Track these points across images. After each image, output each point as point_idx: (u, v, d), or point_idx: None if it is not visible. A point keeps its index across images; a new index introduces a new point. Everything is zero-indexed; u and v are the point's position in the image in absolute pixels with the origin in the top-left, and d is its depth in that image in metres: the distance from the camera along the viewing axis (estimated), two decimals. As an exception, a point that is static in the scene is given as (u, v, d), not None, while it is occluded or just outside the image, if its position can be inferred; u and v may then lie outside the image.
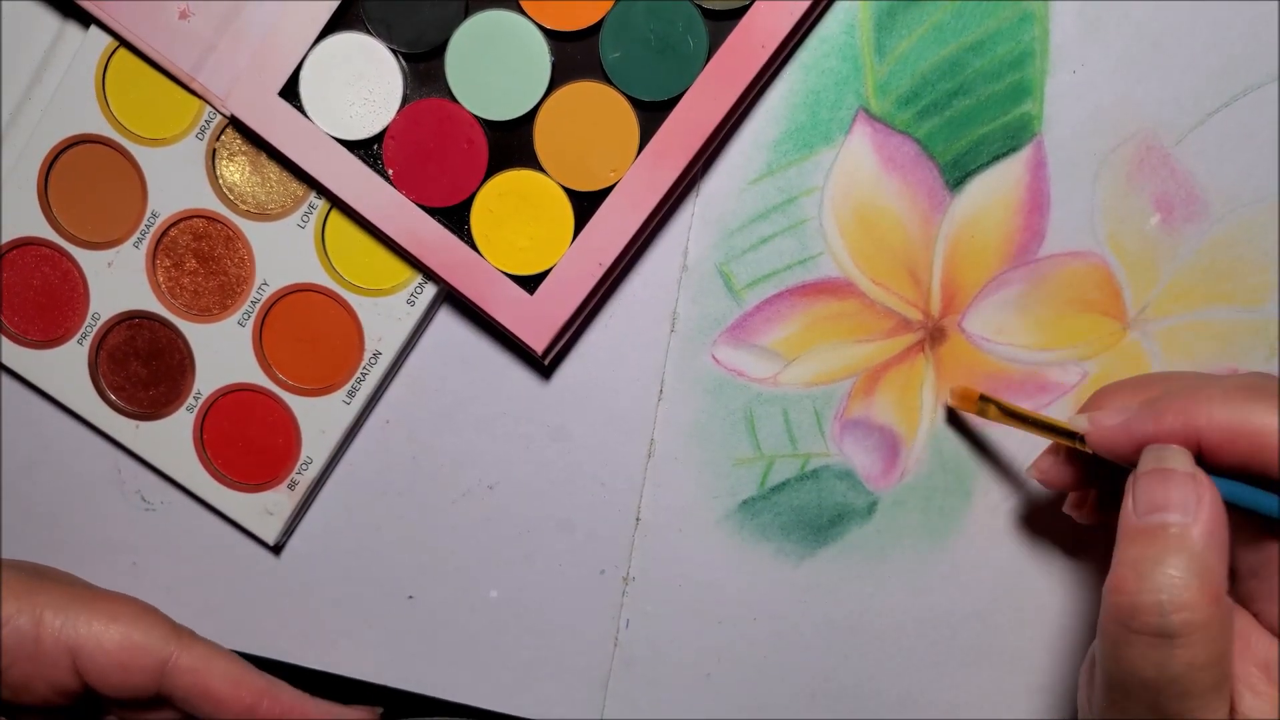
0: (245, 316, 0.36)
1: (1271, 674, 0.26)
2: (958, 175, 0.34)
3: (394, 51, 0.33)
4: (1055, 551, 0.36)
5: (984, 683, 0.37)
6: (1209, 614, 0.25)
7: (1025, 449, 0.36)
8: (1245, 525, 0.28)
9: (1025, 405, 0.35)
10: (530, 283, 0.34)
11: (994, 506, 0.36)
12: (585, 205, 0.34)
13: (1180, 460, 0.27)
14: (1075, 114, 0.34)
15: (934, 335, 0.35)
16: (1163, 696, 0.25)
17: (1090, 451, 0.30)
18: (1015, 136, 0.34)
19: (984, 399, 0.33)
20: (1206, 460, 0.27)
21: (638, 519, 0.37)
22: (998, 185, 0.34)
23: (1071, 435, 0.30)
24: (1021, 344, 0.35)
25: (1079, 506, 0.33)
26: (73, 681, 0.32)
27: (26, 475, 0.38)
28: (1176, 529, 0.25)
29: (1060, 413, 0.35)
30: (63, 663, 0.32)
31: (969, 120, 0.34)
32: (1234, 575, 0.28)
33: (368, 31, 0.33)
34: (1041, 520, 0.36)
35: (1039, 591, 0.37)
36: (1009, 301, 0.35)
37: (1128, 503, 0.27)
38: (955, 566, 0.36)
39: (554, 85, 0.33)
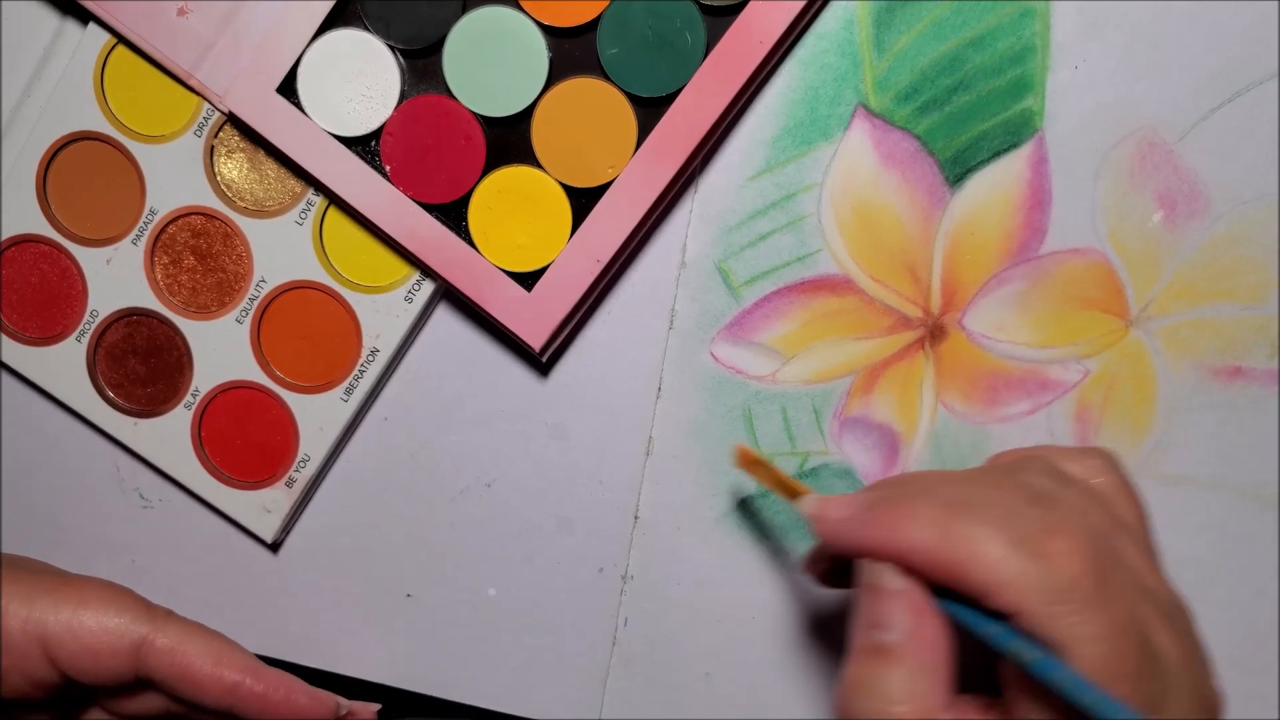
0: (243, 314, 0.35)
1: None
2: (958, 171, 0.34)
3: (392, 48, 0.33)
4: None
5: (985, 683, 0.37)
6: None
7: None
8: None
9: (1026, 405, 0.35)
10: (528, 280, 0.34)
11: (995, 505, 0.36)
12: (583, 202, 0.34)
13: (888, 578, 0.26)
14: (1077, 110, 0.34)
15: (934, 333, 0.35)
16: None
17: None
18: (1016, 132, 0.34)
19: (758, 465, 0.31)
20: (923, 576, 0.26)
21: (636, 517, 0.36)
22: (998, 182, 0.34)
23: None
24: (1022, 342, 0.35)
25: (810, 567, 0.32)
26: (48, 672, 0.31)
27: (25, 473, 0.38)
28: (888, 649, 0.25)
29: (1062, 412, 0.35)
30: (34, 653, 0.30)
31: (969, 116, 0.34)
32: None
33: (365, 28, 0.33)
34: (1043, 519, 0.36)
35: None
36: (1010, 299, 0.35)
37: (857, 616, 0.26)
38: (956, 566, 0.36)
39: (551, 81, 0.33)
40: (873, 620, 0.26)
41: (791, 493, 0.30)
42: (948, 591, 0.25)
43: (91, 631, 0.31)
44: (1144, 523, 0.29)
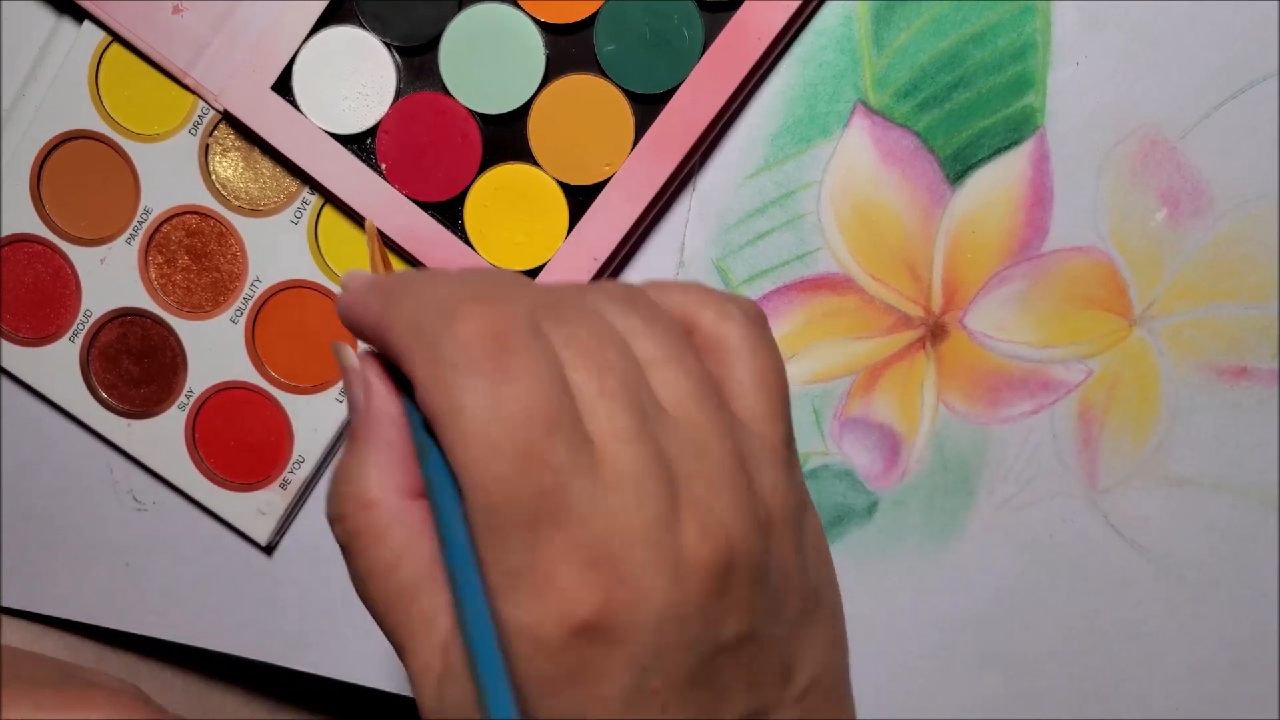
0: (238, 313, 0.35)
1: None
2: (959, 169, 0.34)
3: (387, 45, 0.33)
4: (1058, 552, 0.36)
5: (986, 685, 0.36)
6: (361, 522, 0.22)
7: (1027, 449, 0.35)
8: None
9: (1028, 405, 0.35)
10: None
11: (997, 506, 0.35)
12: (580, 199, 0.33)
13: (343, 355, 0.23)
14: (1079, 107, 0.33)
15: (935, 332, 0.35)
16: (372, 613, 0.22)
17: None
18: (1017, 130, 0.33)
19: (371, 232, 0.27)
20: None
21: (634, 519, 0.36)
22: (1000, 179, 0.34)
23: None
24: (1024, 341, 0.34)
25: None
26: None
27: (18, 475, 0.37)
28: (353, 430, 0.22)
29: (1065, 413, 0.35)
30: None
31: (970, 113, 0.33)
32: None
33: (361, 25, 0.33)
34: (1045, 521, 0.35)
35: (1042, 593, 0.36)
36: (1011, 298, 0.34)
37: None
38: (957, 568, 0.36)
39: (548, 79, 0.33)
40: (350, 400, 0.23)
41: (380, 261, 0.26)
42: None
43: None
44: (767, 392, 0.22)
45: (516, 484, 0.19)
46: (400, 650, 0.22)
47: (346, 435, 0.24)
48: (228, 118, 0.34)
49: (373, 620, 0.22)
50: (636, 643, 0.19)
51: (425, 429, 0.21)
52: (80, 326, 0.36)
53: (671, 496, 0.19)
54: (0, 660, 0.32)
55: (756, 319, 0.23)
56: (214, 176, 0.35)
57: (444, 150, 0.33)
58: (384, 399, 0.23)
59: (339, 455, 0.24)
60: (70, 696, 0.30)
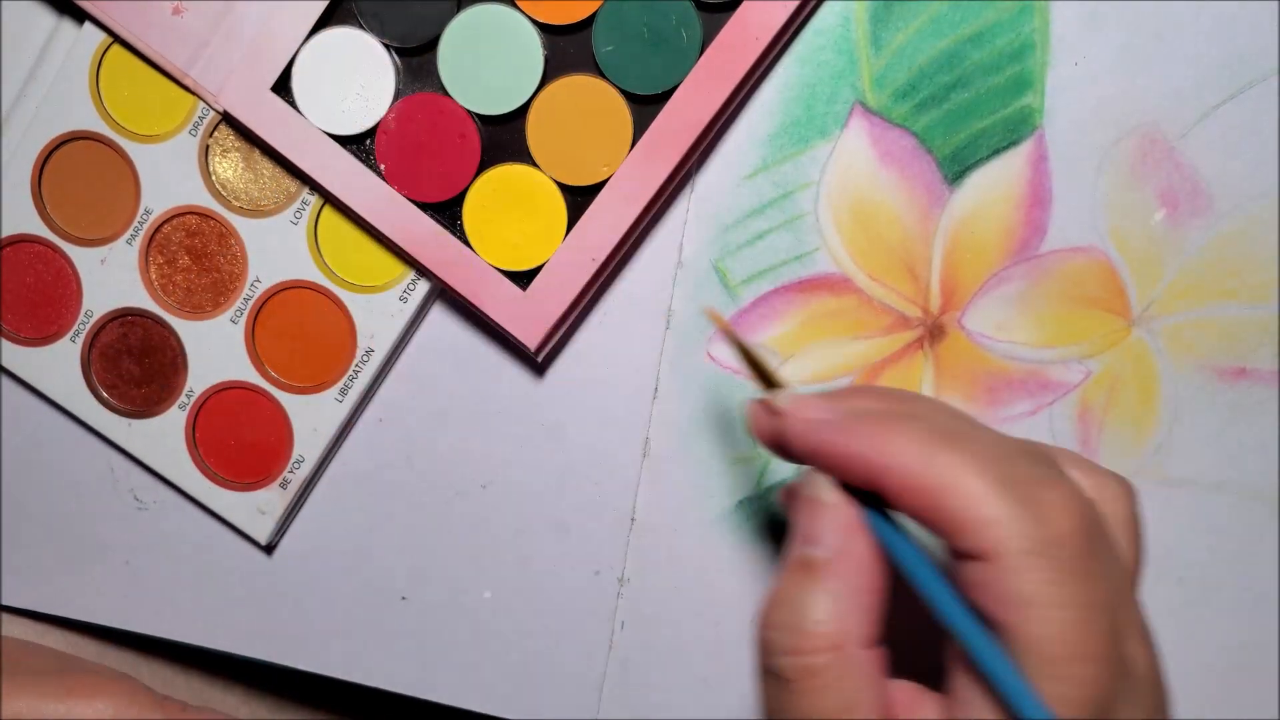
0: (238, 314, 0.35)
1: None
2: (957, 169, 0.34)
3: (386, 46, 0.33)
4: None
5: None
6: (827, 661, 0.22)
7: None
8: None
9: (1027, 405, 0.35)
10: (523, 279, 0.34)
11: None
12: (579, 200, 0.33)
13: (821, 489, 0.24)
14: (1077, 107, 0.33)
15: (933, 332, 0.35)
16: None
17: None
18: (1016, 130, 0.33)
19: (730, 333, 0.28)
20: (890, 501, 0.23)
21: (633, 519, 0.36)
22: (998, 179, 0.34)
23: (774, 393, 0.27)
24: (1023, 341, 0.34)
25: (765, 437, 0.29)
26: None
27: (18, 474, 0.38)
28: (814, 564, 0.23)
29: (1064, 413, 0.35)
30: None
31: (968, 113, 0.33)
32: None
33: (360, 26, 0.33)
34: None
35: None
36: (1010, 298, 0.34)
37: (791, 532, 0.25)
38: (956, 568, 0.36)
39: (547, 79, 0.33)
40: (804, 535, 0.24)
41: (763, 377, 0.27)
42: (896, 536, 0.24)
43: None
44: (1138, 567, 0.26)
45: (1095, 688, 0.21)
46: None
47: (795, 564, 0.24)
48: (227, 118, 0.34)
49: None
50: None
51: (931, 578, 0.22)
52: (81, 326, 0.36)
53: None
54: (1, 649, 0.32)
55: (1134, 499, 0.26)
56: (214, 177, 0.35)
57: (443, 151, 0.33)
58: (867, 545, 0.23)
59: (786, 582, 0.23)
60: (71, 684, 0.30)
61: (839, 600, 0.23)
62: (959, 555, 0.22)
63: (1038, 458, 0.24)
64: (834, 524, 0.24)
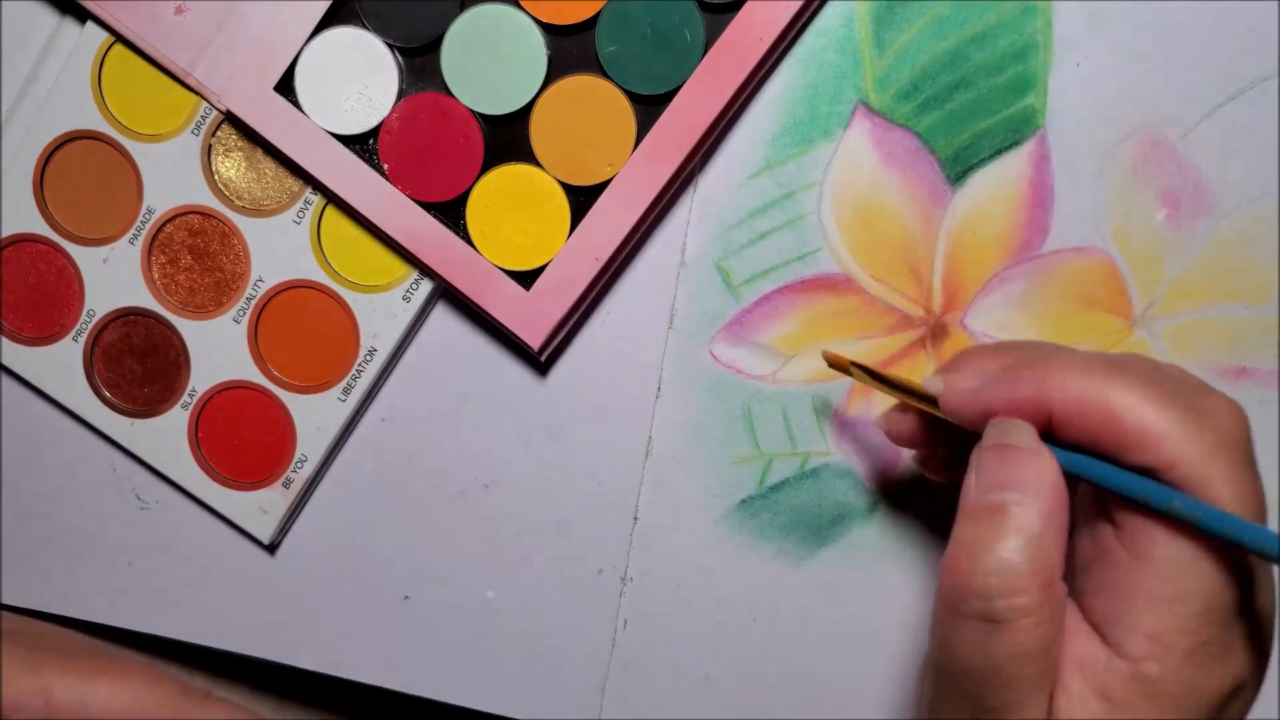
0: (240, 313, 0.35)
1: (1084, 670, 0.24)
2: (959, 170, 0.34)
3: (390, 46, 0.33)
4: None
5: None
6: (1037, 600, 0.23)
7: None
8: (1084, 514, 0.27)
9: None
10: (526, 278, 0.34)
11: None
12: (582, 200, 0.33)
13: (1025, 436, 0.25)
14: (1079, 107, 0.33)
15: (935, 332, 0.35)
16: (986, 687, 0.24)
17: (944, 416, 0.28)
18: (1018, 130, 0.33)
19: (853, 365, 0.31)
20: (1057, 434, 0.25)
21: (635, 518, 0.36)
22: (1000, 180, 0.34)
23: (929, 398, 0.28)
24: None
25: (926, 463, 0.32)
26: None
27: (21, 473, 0.38)
28: (1015, 509, 0.24)
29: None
30: None
31: (970, 114, 0.33)
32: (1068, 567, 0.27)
33: (363, 26, 0.33)
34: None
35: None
36: (1012, 298, 0.34)
37: (970, 478, 0.25)
38: (958, 568, 0.36)
39: (550, 79, 0.33)
40: (994, 481, 0.25)
41: (902, 388, 0.29)
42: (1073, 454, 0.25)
43: (132, 716, 0.30)
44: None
45: None
46: (1002, 713, 0.24)
47: (991, 509, 0.25)
48: (230, 118, 0.34)
49: (974, 686, 0.24)
50: None
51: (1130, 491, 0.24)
52: (83, 326, 0.36)
53: None
54: (33, 630, 0.33)
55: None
56: (217, 177, 0.35)
57: (446, 151, 0.33)
58: (1064, 494, 0.25)
59: (985, 529, 0.24)
60: (100, 666, 0.30)
61: (1041, 543, 0.24)
62: (1139, 472, 0.24)
63: (1186, 373, 0.25)
64: (1034, 468, 0.24)
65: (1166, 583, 0.23)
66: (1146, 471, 0.24)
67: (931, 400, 0.28)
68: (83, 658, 0.31)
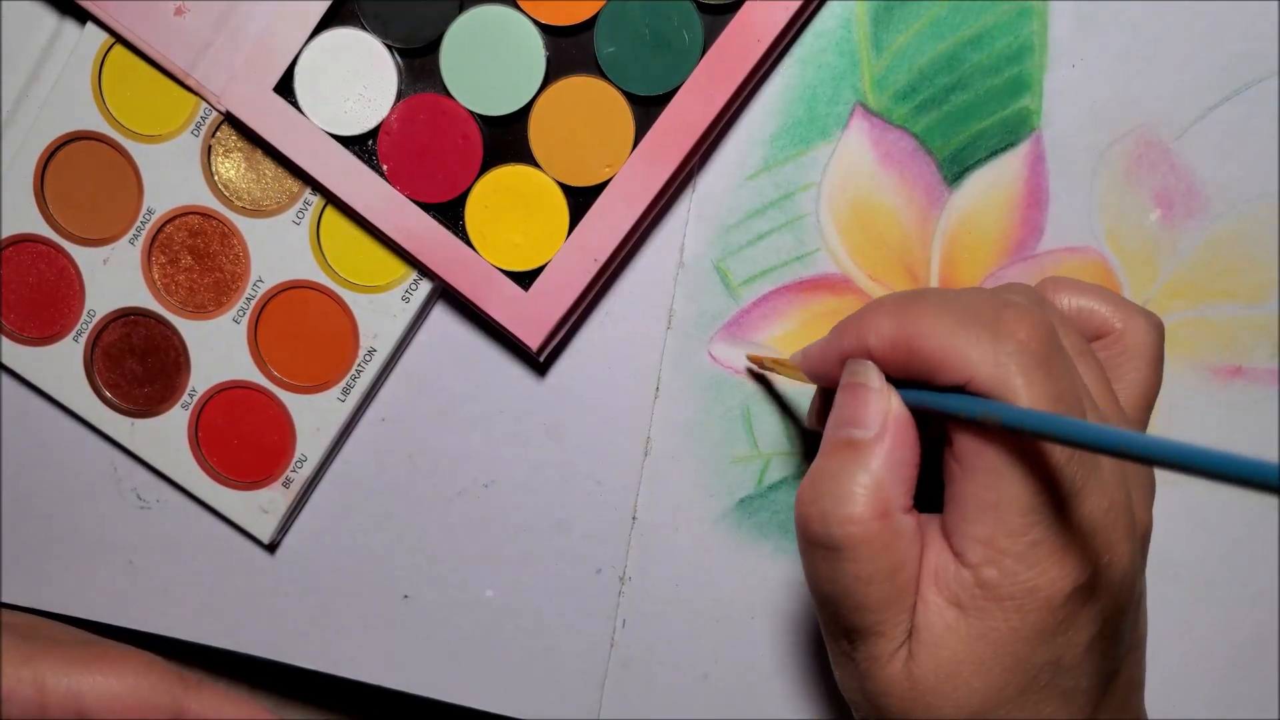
0: (240, 313, 0.35)
1: (939, 582, 0.25)
2: (956, 170, 0.34)
3: (389, 47, 0.33)
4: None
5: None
6: (873, 529, 0.25)
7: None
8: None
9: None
10: (525, 279, 0.34)
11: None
12: (580, 201, 0.34)
13: (869, 375, 0.26)
14: (1074, 109, 0.33)
15: (932, 332, 0.35)
16: (840, 609, 0.26)
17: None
18: (1014, 131, 0.34)
19: (750, 359, 0.34)
20: (885, 372, 0.26)
21: (634, 518, 0.36)
22: (996, 180, 0.34)
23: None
24: (1021, 341, 0.35)
25: (813, 419, 0.33)
26: None
27: (22, 473, 0.38)
28: (858, 444, 0.25)
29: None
30: None
31: (967, 115, 0.34)
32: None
33: (363, 27, 0.33)
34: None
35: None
36: (1008, 298, 0.34)
37: (830, 415, 0.27)
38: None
39: (549, 80, 0.33)
40: (848, 417, 0.26)
41: (788, 368, 0.32)
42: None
43: (128, 704, 0.30)
44: (1153, 392, 0.29)
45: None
46: (866, 635, 0.26)
47: (838, 444, 0.26)
48: (230, 119, 0.34)
49: (831, 610, 0.26)
50: None
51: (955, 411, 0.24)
52: (84, 326, 0.36)
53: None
54: (26, 622, 0.33)
55: (1159, 333, 0.29)
56: (216, 177, 0.35)
57: (445, 151, 0.33)
58: (907, 426, 0.26)
59: (831, 461, 0.26)
60: (94, 655, 0.30)
61: (886, 472, 0.25)
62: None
63: (1004, 291, 0.27)
64: (878, 404, 0.26)
65: (990, 490, 0.24)
66: (957, 390, 0.25)
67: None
68: (76, 647, 0.31)
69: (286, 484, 0.36)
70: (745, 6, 0.32)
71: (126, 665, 0.30)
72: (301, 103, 0.33)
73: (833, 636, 0.27)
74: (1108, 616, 0.25)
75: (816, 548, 0.26)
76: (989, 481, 0.24)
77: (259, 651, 0.38)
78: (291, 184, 0.35)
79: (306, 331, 0.35)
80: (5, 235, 0.36)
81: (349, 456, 0.37)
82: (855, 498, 0.25)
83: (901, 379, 0.26)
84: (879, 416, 0.26)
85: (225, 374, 0.36)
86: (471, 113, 0.33)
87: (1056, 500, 0.24)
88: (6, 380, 0.37)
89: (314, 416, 0.36)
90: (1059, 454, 0.24)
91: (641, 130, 0.33)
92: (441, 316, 0.36)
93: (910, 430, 0.26)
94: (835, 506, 0.25)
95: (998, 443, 0.24)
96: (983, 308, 0.25)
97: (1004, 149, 0.34)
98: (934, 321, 0.25)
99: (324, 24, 0.33)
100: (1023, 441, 0.24)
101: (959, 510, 0.25)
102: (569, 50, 0.33)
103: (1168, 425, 0.35)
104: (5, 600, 0.38)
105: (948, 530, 0.25)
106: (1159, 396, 0.34)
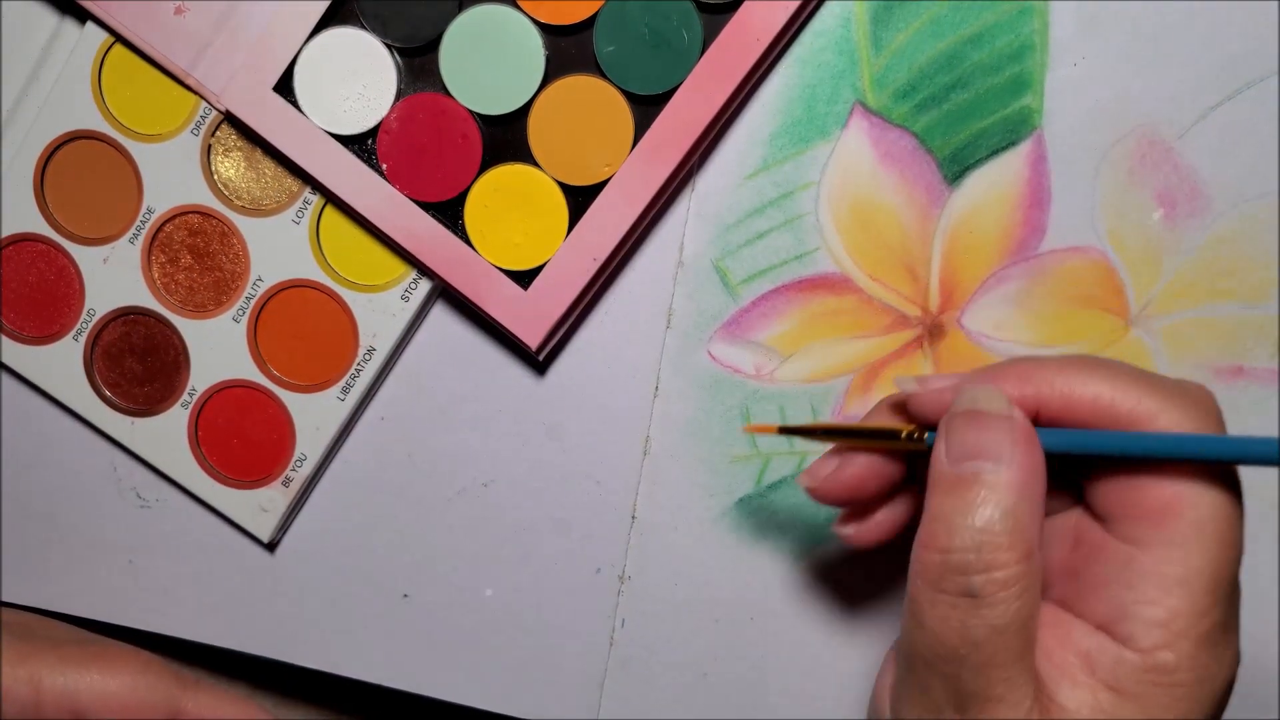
0: (240, 312, 0.35)
1: (1091, 665, 0.23)
2: (956, 169, 0.34)
3: (388, 46, 0.33)
4: (1056, 551, 0.36)
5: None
6: (1017, 572, 0.23)
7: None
8: (1062, 520, 0.26)
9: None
10: (525, 278, 0.34)
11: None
12: (580, 200, 0.33)
13: (995, 401, 0.24)
14: (1076, 108, 0.33)
15: (933, 331, 0.35)
16: (964, 665, 0.23)
17: (909, 444, 0.26)
18: (1015, 130, 0.34)
19: (781, 428, 0.30)
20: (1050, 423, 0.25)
21: (633, 517, 0.36)
22: (997, 180, 0.34)
23: (890, 435, 0.27)
24: (1022, 341, 0.35)
25: (858, 522, 0.29)
26: None
27: (22, 472, 0.38)
28: (989, 478, 0.23)
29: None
30: None
31: (968, 114, 0.33)
32: (1050, 573, 0.26)
33: (362, 26, 0.33)
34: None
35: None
36: (1009, 297, 0.34)
37: (939, 447, 0.25)
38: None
39: (548, 79, 0.33)
40: (966, 449, 0.24)
41: (841, 432, 0.28)
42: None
43: (124, 703, 0.30)
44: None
45: None
46: (985, 702, 0.23)
47: (965, 480, 0.24)
48: (229, 118, 0.34)
49: (954, 668, 0.23)
50: None
51: None
52: (84, 325, 0.36)
53: None
54: (25, 621, 0.33)
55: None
56: (216, 176, 0.35)
57: (444, 151, 0.33)
58: (1040, 457, 0.24)
59: (959, 502, 0.24)
60: (92, 654, 0.30)
61: (1023, 512, 0.23)
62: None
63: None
64: (1006, 433, 0.24)
65: (1172, 565, 0.23)
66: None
67: (885, 434, 0.27)
68: (73, 646, 0.31)
69: (286, 483, 0.36)
70: (744, 6, 0.32)
71: (124, 665, 0.30)
72: (301, 102, 0.33)
73: (934, 706, 0.24)
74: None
75: (947, 596, 0.23)
76: (1172, 556, 0.23)
77: (258, 650, 0.38)
78: (291, 183, 0.35)
79: (306, 331, 0.35)
80: (5, 234, 0.36)
81: (348, 456, 0.37)
82: (998, 540, 0.23)
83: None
84: (1010, 447, 0.24)
85: (225, 373, 0.36)
86: (471, 112, 0.33)
87: (1236, 571, 0.23)
88: (6, 380, 0.37)
89: (313, 415, 0.36)
90: (1238, 519, 0.23)
91: (641, 129, 0.33)
92: (441, 316, 0.36)
93: (1042, 462, 0.24)
94: (977, 551, 0.23)
95: (1178, 515, 0.23)
96: (1160, 378, 0.24)
97: (1005, 148, 0.34)
98: (1125, 383, 0.24)
99: (323, 23, 0.33)
100: (1214, 509, 0.23)
101: (1126, 591, 0.23)
102: (568, 49, 0.33)
103: (1169, 425, 0.35)
104: (5, 599, 0.38)
105: (1105, 615, 0.24)
106: (1160, 396, 0.34)
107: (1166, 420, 0.23)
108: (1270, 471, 0.35)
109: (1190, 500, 0.23)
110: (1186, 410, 0.23)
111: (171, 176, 0.35)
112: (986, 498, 0.23)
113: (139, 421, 0.36)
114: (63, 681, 0.30)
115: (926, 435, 0.26)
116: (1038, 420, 0.25)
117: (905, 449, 0.27)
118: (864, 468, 0.28)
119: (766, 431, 0.30)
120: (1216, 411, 0.24)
